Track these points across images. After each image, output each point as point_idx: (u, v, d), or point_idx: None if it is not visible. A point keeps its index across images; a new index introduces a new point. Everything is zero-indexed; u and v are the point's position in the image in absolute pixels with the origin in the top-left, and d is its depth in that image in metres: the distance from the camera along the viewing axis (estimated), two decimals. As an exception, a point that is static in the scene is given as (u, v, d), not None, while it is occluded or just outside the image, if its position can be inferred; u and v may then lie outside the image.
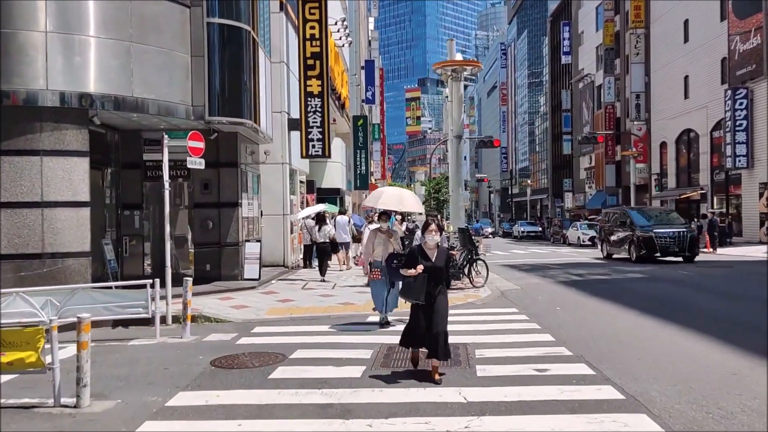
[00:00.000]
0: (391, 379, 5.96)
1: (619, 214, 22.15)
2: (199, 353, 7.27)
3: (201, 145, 9.74)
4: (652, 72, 38.83)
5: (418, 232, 12.08)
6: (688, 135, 34.83)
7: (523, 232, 46.70)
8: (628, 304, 10.42)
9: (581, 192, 54.41)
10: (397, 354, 6.98)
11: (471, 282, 12.94)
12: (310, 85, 16.38)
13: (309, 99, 16.37)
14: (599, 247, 23.45)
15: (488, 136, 24.59)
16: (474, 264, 13.37)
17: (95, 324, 8.93)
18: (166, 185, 9.27)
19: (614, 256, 21.50)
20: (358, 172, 32.50)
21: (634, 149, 38.01)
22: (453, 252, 12.82)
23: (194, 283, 12.15)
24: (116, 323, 9.10)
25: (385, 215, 9.10)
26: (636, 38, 39.22)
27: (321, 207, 16.90)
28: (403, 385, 5.75)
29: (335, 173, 26.23)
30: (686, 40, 34.52)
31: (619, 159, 43.26)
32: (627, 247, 20.08)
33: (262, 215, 15.94)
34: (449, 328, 6.14)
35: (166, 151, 9.30)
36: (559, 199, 63.33)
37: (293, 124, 16.89)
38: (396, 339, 7.76)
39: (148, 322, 8.45)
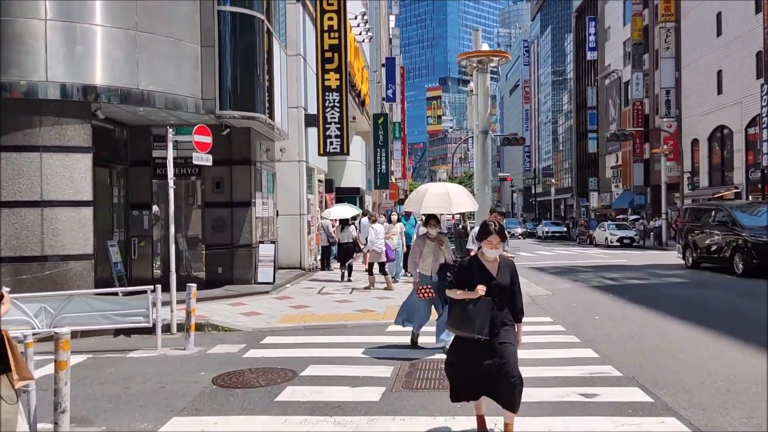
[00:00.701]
0: (415, 404, 5.19)
1: (714, 211, 17.20)
2: (201, 368, 6.57)
3: (208, 139, 9.04)
4: (683, 67, 37.43)
5: (473, 233, 9.24)
6: (722, 132, 33.46)
7: (547, 232, 45.48)
8: (674, 314, 9.49)
9: (607, 191, 52.98)
10: (421, 372, 6.20)
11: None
12: (328, 79, 15.68)
13: (327, 93, 15.66)
14: (680, 253, 18.72)
15: (513, 134, 23.62)
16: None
17: (94, 333, 8.38)
18: (171, 183, 8.60)
19: (704, 264, 17.14)
20: (378, 171, 31.78)
21: (664, 146, 36.66)
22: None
23: (205, 287, 11.62)
24: (118, 332, 8.46)
25: (434, 219, 7.41)
26: (666, 32, 37.84)
27: (355, 212, 16.45)
28: (428, 412, 4.97)
29: (355, 172, 25.49)
30: (719, 33, 33.17)
31: (647, 157, 41.85)
32: (728, 254, 15.63)
33: (277, 215, 15.27)
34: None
35: (170, 146, 8.63)
36: (584, 199, 61.87)
37: (310, 120, 16.17)
38: (419, 353, 7.01)
39: (151, 330, 7.79)
